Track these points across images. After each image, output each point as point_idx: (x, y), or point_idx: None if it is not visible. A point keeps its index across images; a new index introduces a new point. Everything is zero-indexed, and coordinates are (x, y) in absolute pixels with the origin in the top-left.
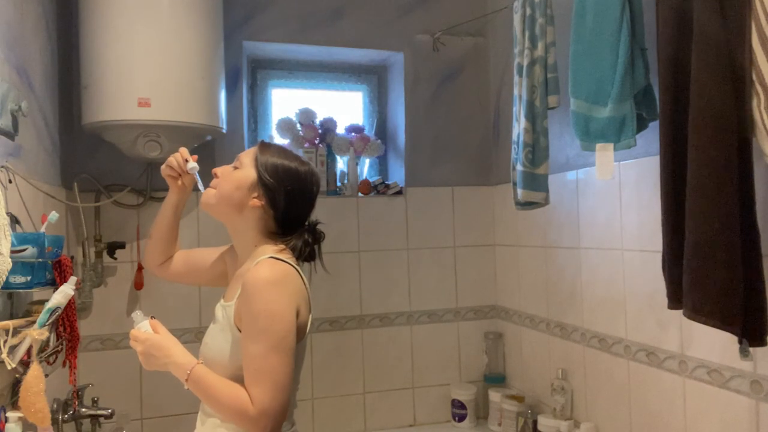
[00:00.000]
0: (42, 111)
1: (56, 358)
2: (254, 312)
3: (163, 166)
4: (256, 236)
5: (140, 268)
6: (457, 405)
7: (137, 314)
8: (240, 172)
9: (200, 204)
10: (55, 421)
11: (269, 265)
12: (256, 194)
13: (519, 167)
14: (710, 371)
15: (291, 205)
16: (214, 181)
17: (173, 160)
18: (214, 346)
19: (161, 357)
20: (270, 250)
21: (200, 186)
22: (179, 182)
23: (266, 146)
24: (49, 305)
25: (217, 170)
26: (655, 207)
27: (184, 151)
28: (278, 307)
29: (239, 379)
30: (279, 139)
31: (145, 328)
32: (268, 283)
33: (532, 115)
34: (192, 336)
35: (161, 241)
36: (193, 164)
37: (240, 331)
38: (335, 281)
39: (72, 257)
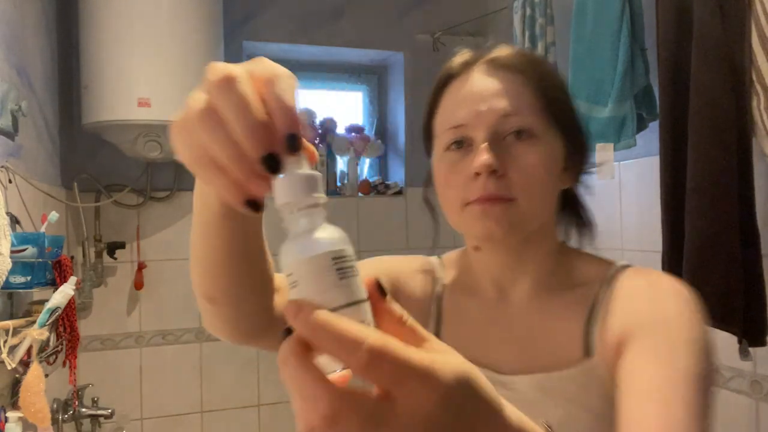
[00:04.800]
0: (42, 111)
1: (56, 358)
2: (688, 341)
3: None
4: (555, 233)
5: (140, 268)
6: None
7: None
8: (543, 147)
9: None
10: (55, 421)
11: (669, 279)
12: (564, 165)
13: None
14: None
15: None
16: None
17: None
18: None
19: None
20: (590, 256)
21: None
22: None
23: (534, 62)
24: (49, 305)
25: (491, 162)
26: (655, 207)
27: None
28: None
29: None
30: None
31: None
32: (690, 300)
33: None
34: (192, 336)
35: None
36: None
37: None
38: None
39: (72, 257)
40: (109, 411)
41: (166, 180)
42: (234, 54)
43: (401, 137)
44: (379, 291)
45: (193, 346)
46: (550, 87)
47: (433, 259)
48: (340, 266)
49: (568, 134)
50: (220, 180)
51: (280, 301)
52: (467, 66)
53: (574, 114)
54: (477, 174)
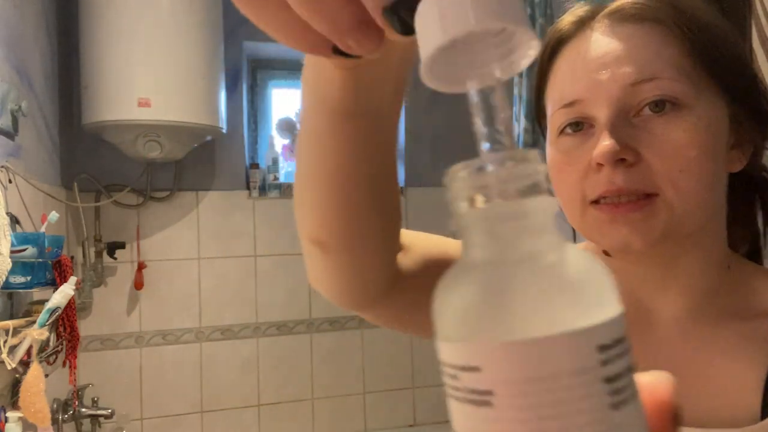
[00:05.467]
0: (42, 111)
1: (56, 358)
2: None
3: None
4: (723, 237)
5: (140, 268)
6: None
7: None
8: (695, 120)
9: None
10: (55, 421)
11: None
12: (733, 139)
13: None
14: None
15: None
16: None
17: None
18: None
19: None
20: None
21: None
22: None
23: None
24: (49, 305)
25: (615, 148)
26: None
27: None
28: None
29: None
30: (279, 139)
31: None
32: None
33: (532, 115)
34: (192, 336)
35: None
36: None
37: None
38: None
39: (72, 257)
40: (109, 411)
41: (166, 180)
42: (234, 54)
43: (401, 137)
44: None
45: (193, 346)
46: (705, 35)
47: None
48: (613, 373)
49: (735, 96)
50: (285, 17)
51: (405, 263)
52: (582, 24)
53: (744, 67)
54: (599, 165)
